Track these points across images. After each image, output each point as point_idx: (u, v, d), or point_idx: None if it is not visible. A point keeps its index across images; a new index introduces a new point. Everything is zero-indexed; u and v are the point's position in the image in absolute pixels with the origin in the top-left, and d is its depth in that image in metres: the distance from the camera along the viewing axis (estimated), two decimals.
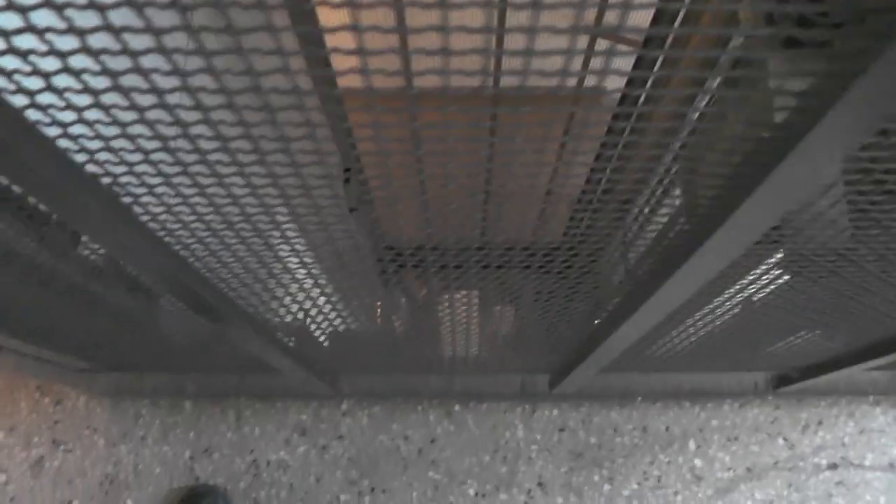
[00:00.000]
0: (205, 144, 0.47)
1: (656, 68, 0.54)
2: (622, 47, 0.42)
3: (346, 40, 1.16)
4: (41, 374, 1.40)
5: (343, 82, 0.54)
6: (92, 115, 0.47)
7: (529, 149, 0.51)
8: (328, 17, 1.62)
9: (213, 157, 0.49)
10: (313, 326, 1.07)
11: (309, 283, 0.84)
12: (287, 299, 0.90)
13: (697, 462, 1.61)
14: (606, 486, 1.59)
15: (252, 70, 0.40)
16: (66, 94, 0.43)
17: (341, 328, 1.09)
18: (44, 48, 0.39)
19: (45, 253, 0.78)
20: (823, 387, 1.58)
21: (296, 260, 0.75)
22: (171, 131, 0.47)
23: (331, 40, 1.12)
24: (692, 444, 1.62)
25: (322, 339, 1.16)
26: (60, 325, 1.06)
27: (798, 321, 1.10)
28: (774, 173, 0.47)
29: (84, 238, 0.76)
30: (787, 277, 0.91)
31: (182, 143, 0.48)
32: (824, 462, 1.60)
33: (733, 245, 0.60)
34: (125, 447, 1.66)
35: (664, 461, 1.61)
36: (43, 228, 0.74)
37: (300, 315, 0.99)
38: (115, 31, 0.37)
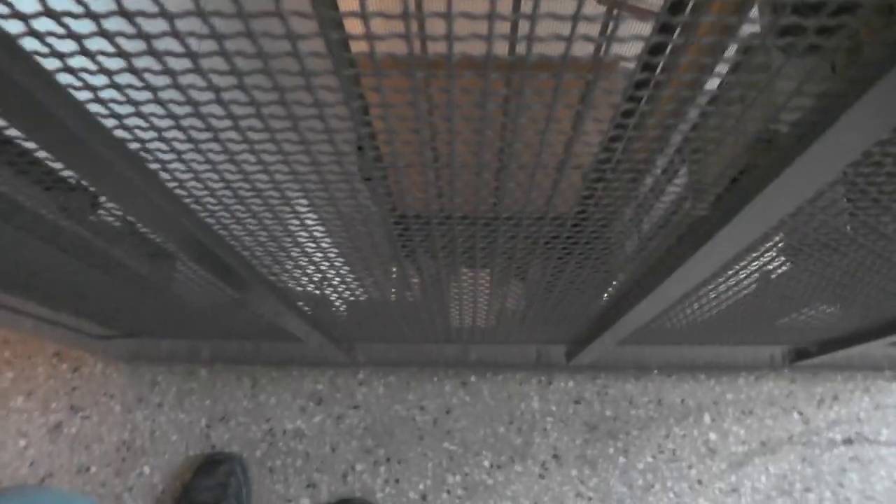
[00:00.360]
0: (238, 110, 0.46)
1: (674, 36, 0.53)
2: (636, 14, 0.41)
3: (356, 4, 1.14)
4: (59, 339, 1.41)
5: (356, 47, 0.53)
6: (123, 79, 0.46)
7: (542, 117, 0.50)
8: None
9: (245, 122, 0.48)
10: (331, 295, 1.06)
11: (328, 252, 0.84)
12: (309, 268, 0.90)
13: (712, 435, 1.61)
14: (621, 459, 1.59)
15: (290, 34, 0.39)
16: (98, 58, 0.42)
17: (357, 297, 1.09)
18: (79, 9, 0.38)
19: (65, 217, 0.78)
20: (839, 361, 1.57)
21: (317, 229, 0.75)
22: (203, 96, 0.46)
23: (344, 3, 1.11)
24: (707, 418, 1.63)
25: (339, 307, 1.16)
26: (80, 289, 1.06)
27: (815, 296, 1.09)
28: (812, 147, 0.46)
29: (103, 201, 0.75)
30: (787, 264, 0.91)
31: (214, 109, 0.48)
32: (839, 437, 1.60)
33: (755, 225, 0.59)
34: (141, 414, 1.67)
35: (679, 434, 1.61)
36: (63, 194, 0.74)
37: (319, 283, 0.99)
38: None
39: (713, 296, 1.09)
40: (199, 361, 1.70)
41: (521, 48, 0.43)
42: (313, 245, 0.79)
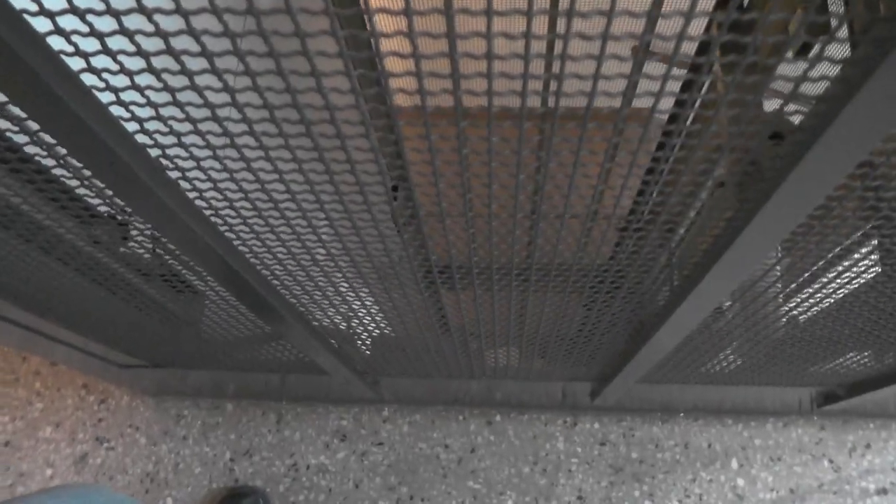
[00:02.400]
0: (252, 114, 0.47)
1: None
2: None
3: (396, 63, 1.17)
4: (88, 368, 1.43)
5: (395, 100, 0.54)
6: (143, 79, 0.45)
7: (577, 168, 0.51)
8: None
9: (258, 126, 0.49)
10: (358, 328, 1.07)
11: (352, 290, 0.85)
12: (336, 299, 0.91)
13: (739, 481, 1.58)
14: (647, 503, 1.57)
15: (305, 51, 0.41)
16: (120, 57, 0.42)
17: (384, 331, 1.09)
18: (101, 7, 0.38)
19: (96, 248, 0.80)
20: (871, 409, 1.54)
21: (342, 266, 0.76)
22: (218, 98, 0.46)
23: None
24: (734, 463, 1.60)
25: (365, 341, 1.17)
26: (110, 320, 1.08)
27: (845, 341, 1.08)
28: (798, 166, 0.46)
29: (133, 235, 0.77)
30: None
31: (230, 112, 0.48)
32: (872, 486, 1.56)
33: (765, 241, 0.59)
34: (166, 446, 1.68)
35: (706, 479, 1.58)
36: (93, 225, 0.76)
37: (346, 316, 1.00)
38: None
39: (740, 337, 1.09)
40: (225, 396, 1.71)
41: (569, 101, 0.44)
42: (340, 275, 0.80)
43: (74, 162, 0.54)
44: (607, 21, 0.37)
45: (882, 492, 1.55)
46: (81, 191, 0.63)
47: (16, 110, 0.47)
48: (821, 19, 0.39)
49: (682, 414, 1.64)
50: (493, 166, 0.51)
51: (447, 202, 0.59)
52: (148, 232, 0.73)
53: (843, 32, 0.50)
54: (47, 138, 0.51)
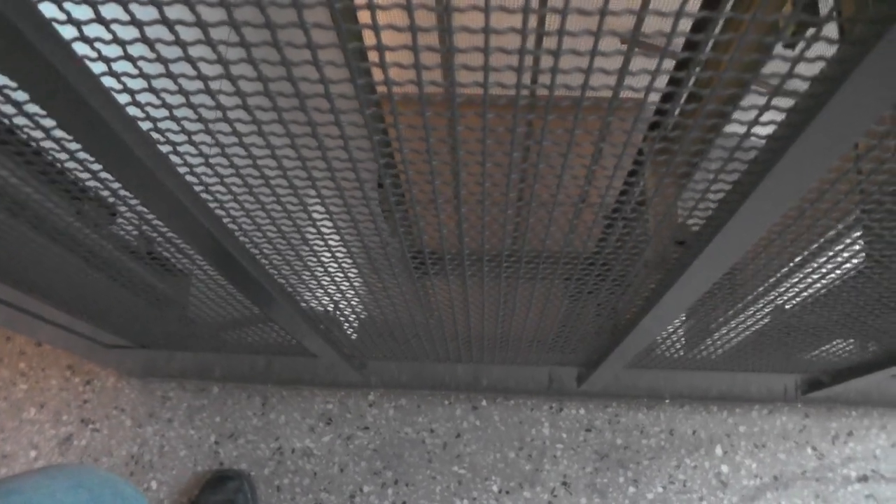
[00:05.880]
0: (245, 86, 0.46)
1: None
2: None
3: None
4: (74, 347, 1.42)
5: (381, 87, 0.54)
6: (136, 50, 0.44)
7: (564, 156, 0.51)
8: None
9: (252, 100, 0.48)
10: (346, 310, 1.07)
11: (338, 272, 0.84)
12: (324, 280, 0.90)
13: (724, 468, 1.59)
14: (631, 489, 1.58)
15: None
16: (113, 26, 0.41)
17: (371, 313, 1.09)
18: None
19: (83, 227, 0.79)
20: (854, 397, 1.56)
21: (327, 247, 0.75)
22: (212, 70, 0.46)
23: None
24: (719, 450, 1.61)
25: (352, 322, 1.17)
26: (97, 298, 1.07)
27: (830, 329, 1.09)
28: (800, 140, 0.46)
29: (122, 212, 0.76)
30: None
31: (223, 85, 0.48)
32: (854, 474, 1.58)
33: (756, 225, 0.59)
34: (151, 428, 1.67)
35: (690, 465, 1.59)
36: (80, 202, 0.75)
37: (333, 298, 1.00)
38: None
39: (725, 327, 1.09)
40: (211, 378, 1.70)
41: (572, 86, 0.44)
42: (329, 255, 0.80)
43: (63, 135, 0.53)
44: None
45: (863, 479, 1.57)
46: (70, 164, 0.62)
47: (2, 79, 0.47)
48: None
49: (667, 400, 1.65)
50: (487, 144, 0.51)
51: (432, 190, 0.58)
52: (136, 210, 0.73)
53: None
54: (36, 109, 0.50)
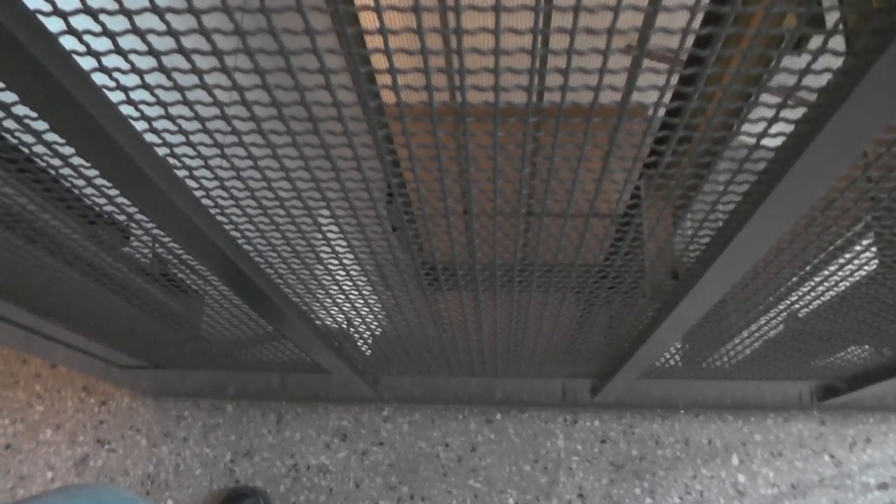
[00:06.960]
0: (260, 111, 0.47)
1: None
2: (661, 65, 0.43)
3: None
4: (88, 369, 1.43)
5: (386, 97, 0.55)
6: (153, 79, 0.45)
7: (572, 167, 0.52)
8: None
9: (266, 125, 0.50)
10: (360, 326, 1.08)
11: (352, 290, 0.85)
12: (338, 297, 0.91)
13: (740, 477, 1.59)
14: (648, 500, 1.57)
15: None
16: (131, 56, 0.42)
17: (385, 329, 1.10)
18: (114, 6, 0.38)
19: (97, 247, 0.80)
20: (871, 402, 1.55)
21: (340, 266, 0.76)
22: (226, 97, 0.46)
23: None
24: (735, 459, 1.60)
25: (366, 339, 1.17)
26: (111, 320, 1.08)
27: (845, 335, 1.08)
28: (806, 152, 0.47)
29: (135, 235, 0.77)
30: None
31: (237, 111, 0.48)
32: (873, 481, 1.57)
33: (767, 233, 0.59)
34: (167, 448, 1.68)
35: (706, 475, 1.59)
36: (94, 225, 0.76)
37: (347, 315, 1.00)
38: None
39: (741, 335, 1.09)
40: (225, 397, 1.71)
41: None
42: (343, 274, 0.80)
43: (81, 161, 0.54)
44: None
45: (883, 486, 1.56)
46: (88, 190, 0.63)
47: (24, 109, 0.48)
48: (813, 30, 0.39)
49: (682, 410, 1.65)
50: (498, 161, 0.51)
51: (441, 203, 0.59)
52: (150, 233, 0.74)
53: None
54: (54, 137, 0.51)
